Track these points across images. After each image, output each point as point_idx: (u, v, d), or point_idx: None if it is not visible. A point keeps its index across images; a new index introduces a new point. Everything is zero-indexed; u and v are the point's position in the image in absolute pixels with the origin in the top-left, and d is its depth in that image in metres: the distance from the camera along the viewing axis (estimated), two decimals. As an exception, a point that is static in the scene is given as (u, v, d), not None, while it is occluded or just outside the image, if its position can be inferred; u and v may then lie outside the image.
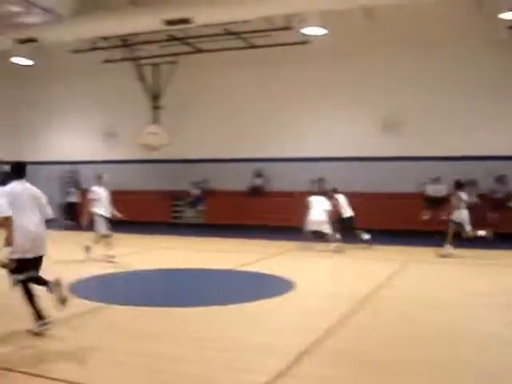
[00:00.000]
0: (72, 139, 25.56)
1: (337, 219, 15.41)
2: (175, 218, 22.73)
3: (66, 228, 22.07)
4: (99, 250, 12.74)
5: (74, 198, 24.14)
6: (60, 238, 16.33)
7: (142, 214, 21.19)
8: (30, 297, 6.56)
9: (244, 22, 18.27)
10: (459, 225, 13.84)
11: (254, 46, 20.35)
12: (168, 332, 6.90)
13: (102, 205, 13.28)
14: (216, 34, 19.86)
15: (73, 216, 23.73)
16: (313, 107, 21.05)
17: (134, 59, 22.66)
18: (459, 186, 14.25)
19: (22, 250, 6.45)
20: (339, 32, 18.14)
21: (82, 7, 19.63)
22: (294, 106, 21.25)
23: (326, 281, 11.53)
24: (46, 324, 6.54)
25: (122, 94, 23.61)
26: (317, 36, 18.12)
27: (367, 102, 20.21)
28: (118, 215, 13.22)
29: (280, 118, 21.45)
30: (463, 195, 14.03)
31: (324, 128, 21.03)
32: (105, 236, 12.98)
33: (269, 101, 21.56)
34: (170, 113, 22.69)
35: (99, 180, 13.71)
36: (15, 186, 6.75)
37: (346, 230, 15.14)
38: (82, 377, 5.24)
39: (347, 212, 15.67)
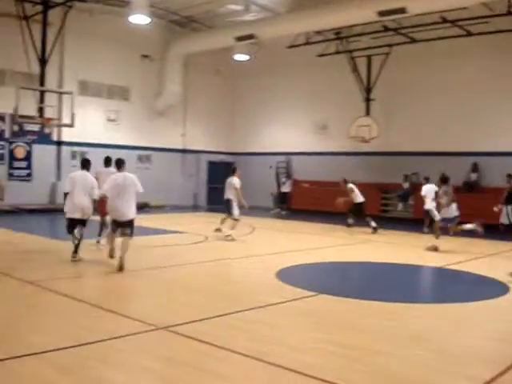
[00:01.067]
0: (286, 131, 26.42)
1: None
2: (384, 211, 22.49)
3: (278, 216, 22.94)
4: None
5: (286, 188, 25.02)
6: (279, 225, 17.02)
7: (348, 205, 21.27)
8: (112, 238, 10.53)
9: (461, 9, 17.47)
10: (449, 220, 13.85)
11: (471, 34, 19.33)
12: (370, 326, 6.86)
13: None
14: (431, 23, 19.22)
15: (285, 205, 24.65)
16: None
17: (347, 52, 22.78)
18: (444, 180, 14.10)
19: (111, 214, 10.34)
20: None
21: (298, 2, 20.18)
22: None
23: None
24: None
25: (335, 87, 23.90)
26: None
27: None
28: None
29: (498, 110, 20.07)
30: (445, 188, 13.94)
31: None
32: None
33: (486, 92, 20.27)
34: (380, 105, 22.51)
35: None
36: (116, 175, 10.24)
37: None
38: (287, 361, 5.40)
39: None
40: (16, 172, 21.25)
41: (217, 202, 27.32)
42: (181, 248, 13.13)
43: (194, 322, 6.58)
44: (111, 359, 5.40)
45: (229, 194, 15.52)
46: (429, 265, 11.73)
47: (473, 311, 7.90)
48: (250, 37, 21.21)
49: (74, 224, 10.55)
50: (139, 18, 19.30)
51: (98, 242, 12.24)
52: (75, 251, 10.41)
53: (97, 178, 11.48)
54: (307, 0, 20.00)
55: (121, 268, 9.50)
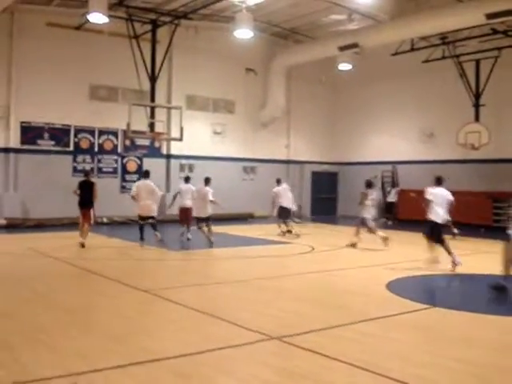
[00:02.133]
0: (391, 140, 25.98)
1: None
2: (496, 221, 21.57)
3: (385, 226, 22.57)
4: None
5: (392, 198, 24.58)
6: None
7: (459, 215, 20.60)
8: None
9: None
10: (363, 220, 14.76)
11: None
12: (489, 340, 6.60)
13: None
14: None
15: (391, 215, 24.21)
16: None
17: (454, 56, 22.15)
18: (368, 185, 15.23)
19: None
20: None
21: (401, 9, 19.85)
22: None
23: None
24: None
25: (441, 93, 23.30)
26: None
27: None
28: None
29: None
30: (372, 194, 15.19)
31: None
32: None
33: None
34: (490, 110, 21.67)
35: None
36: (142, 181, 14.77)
37: None
38: (410, 377, 5.30)
39: None
40: (128, 185, 22.16)
41: (321, 212, 27.40)
42: (288, 258, 13.20)
43: (306, 332, 6.60)
44: (228, 368, 5.49)
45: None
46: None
47: None
48: (354, 46, 21.09)
49: (143, 219, 14.78)
50: (243, 33, 19.66)
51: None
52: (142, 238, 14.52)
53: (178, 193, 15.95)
54: (411, 5, 19.66)
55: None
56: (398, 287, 9.46)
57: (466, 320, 7.62)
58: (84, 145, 21.47)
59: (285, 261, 12.87)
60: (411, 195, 24.05)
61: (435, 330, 7.06)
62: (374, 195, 15.79)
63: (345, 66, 24.09)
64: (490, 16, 17.15)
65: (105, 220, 20.62)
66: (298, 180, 27.25)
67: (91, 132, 21.56)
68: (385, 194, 25.14)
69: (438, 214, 11.53)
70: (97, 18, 17.64)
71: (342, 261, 13.04)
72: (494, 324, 7.40)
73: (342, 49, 21.54)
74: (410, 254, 14.27)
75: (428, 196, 11.79)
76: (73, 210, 20.10)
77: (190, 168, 22.66)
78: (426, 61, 22.40)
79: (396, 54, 22.57)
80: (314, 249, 14.73)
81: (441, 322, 7.45)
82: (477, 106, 22.12)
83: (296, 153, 26.95)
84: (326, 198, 28.13)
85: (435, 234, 11.45)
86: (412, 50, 22.18)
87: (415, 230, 16.53)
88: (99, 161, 21.78)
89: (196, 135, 23.09)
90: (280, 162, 26.41)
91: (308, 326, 6.85)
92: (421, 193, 21.82)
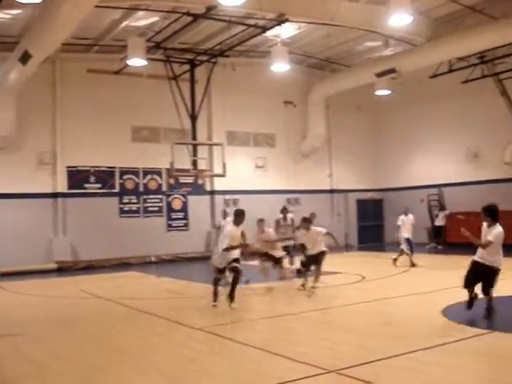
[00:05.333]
0: (435, 162, 25.61)
1: None
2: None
3: (434, 251, 22.17)
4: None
5: (440, 221, 24.16)
6: (436, 260, 16.45)
7: (508, 235, 20.13)
8: None
9: None
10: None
11: None
12: None
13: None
14: None
15: (440, 239, 23.77)
16: None
17: (494, 75, 21.89)
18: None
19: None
20: None
21: (436, 31, 19.77)
22: None
23: None
24: None
25: (483, 112, 22.96)
26: None
27: None
28: None
29: None
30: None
31: None
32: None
33: None
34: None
35: None
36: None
37: None
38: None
39: None
40: (174, 223, 22.38)
41: (368, 240, 27.07)
42: (339, 288, 13.03)
43: (363, 364, 6.45)
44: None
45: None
46: None
47: None
48: (391, 71, 21.04)
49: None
50: (279, 66, 19.82)
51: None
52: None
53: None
54: (446, 27, 19.55)
55: None
56: (453, 313, 9.22)
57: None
58: (129, 186, 21.82)
59: (336, 291, 12.70)
60: (460, 218, 23.69)
61: (497, 355, 6.83)
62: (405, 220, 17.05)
63: (383, 92, 24.00)
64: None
65: (153, 259, 20.82)
66: (344, 209, 27.05)
67: (135, 173, 21.92)
68: (432, 217, 24.74)
69: None
70: (136, 62, 18.09)
71: (394, 288, 12.81)
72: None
73: (379, 75, 21.52)
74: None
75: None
76: (121, 251, 20.42)
77: (235, 203, 22.72)
78: (466, 81, 22.18)
79: (434, 76, 22.43)
80: (364, 278, 14.51)
81: (502, 347, 7.21)
82: (522, 123, 21.74)
83: (339, 182, 26.82)
84: (372, 226, 27.82)
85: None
86: (450, 71, 22.01)
87: (465, 254, 16.19)
88: (145, 201, 22.07)
89: (238, 170, 23.21)
90: (324, 192, 26.31)
91: (365, 357, 6.69)
92: (469, 215, 21.48)
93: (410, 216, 17.19)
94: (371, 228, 27.82)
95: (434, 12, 19.23)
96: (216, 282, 10.86)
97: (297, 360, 6.73)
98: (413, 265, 16.34)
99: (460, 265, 16.66)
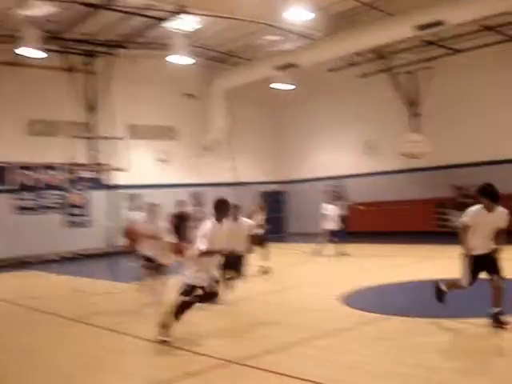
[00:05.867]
0: (335, 154, 26.33)
1: None
2: (440, 226, 22.01)
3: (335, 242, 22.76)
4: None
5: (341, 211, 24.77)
6: (336, 249, 16.90)
7: (405, 223, 21.10)
8: None
9: (501, 14, 17.20)
10: None
11: (514, 39, 19.03)
12: (444, 344, 6.71)
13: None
14: (471, 32, 19.01)
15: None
16: None
17: (388, 70, 22.70)
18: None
19: None
20: None
21: (335, 27, 20.24)
22: None
23: None
24: None
25: (380, 106, 23.77)
26: None
27: None
28: None
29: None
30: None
31: None
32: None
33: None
34: (428, 119, 22.25)
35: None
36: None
37: None
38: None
39: None
40: (75, 219, 21.77)
41: (271, 231, 27.37)
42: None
43: (266, 353, 6.55)
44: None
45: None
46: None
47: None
48: (290, 65, 21.33)
49: None
50: (181, 59, 19.67)
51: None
52: None
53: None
54: (343, 22, 20.04)
55: None
56: (352, 300, 9.51)
57: (420, 327, 7.69)
58: (26, 181, 20.95)
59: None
60: (359, 208, 24.48)
61: (395, 338, 7.11)
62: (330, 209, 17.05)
63: (283, 86, 24.31)
64: (420, 27, 17.60)
65: (53, 257, 20.20)
66: (247, 201, 27.22)
67: (32, 168, 21.07)
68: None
69: None
70: (31, 52, 17.40)
71: (295, 278, 13.05)
72: (446, 329, 7.51)
73: (278, 69, 21.76)
74: (360, 265, 14.43)
75: None
76: (18, 250, 19.58)
77: (138, 197, 22.36)
78: (363, 75, 22.86)
79: (333, 70, 22.95)
80: (266, 269, 14.67)
81: (399, 331, 7.50)
82: (415, 115, 22.68)
83: (242, 175, 26.98)
84: (275, 217, 28.18)
85: None
86: (348, 65, 22.61)
87: (365, 242, 16.83)
88: (43, 197, 21.28)
89: (140, 164, 22.87)
90: (227, 185, 26.36)
91: (267, 347, 6.80)
92: (369, 204, 22.15)
93: (336, 205, 17.34)
94: (275, 220, 28.18)
95: (332, 8, 19.65)
96: (184, 307, 7.30)
97: (199, 352, 6.74)
98: (342, 254, 16.53)
99: (363, 252, 17.34)
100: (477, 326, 7.36)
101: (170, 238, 10.34)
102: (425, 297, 10.34)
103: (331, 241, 16.73)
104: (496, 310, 7.12)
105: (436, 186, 22.20)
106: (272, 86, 24.20)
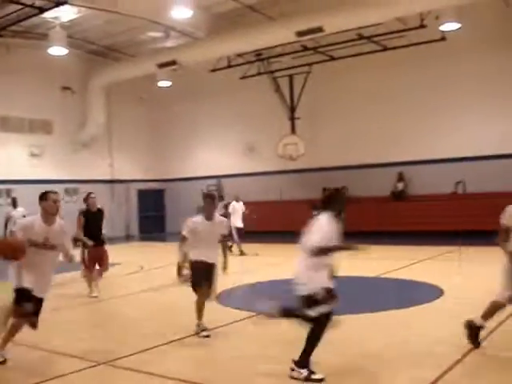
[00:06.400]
0: (215, 154, 26.47)
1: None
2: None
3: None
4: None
5: (219, 211, 24.89)
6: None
7: (281, 223, 21.61)
8: None
9: (376, 25, 18.06)
10: None
11: (387, 49, 20.02)
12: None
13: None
14: (348, 40, 19.80)
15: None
16: (452, 105, 20.15)
17: (269, 73, 23.12)
18: None
19: None
20: (476, 25, 17.50)
21: (217, 27, 20.36)
22: (432, 105, 20.45)
23: (477, 288, 10.77)
24: None
25: (260, 108, 24.14)
26: (453, 31, 17.57)
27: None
28: None
29: (418, 119, 20.77)
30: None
31: (465, 126, 20.02)
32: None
33: (404, 103, 21.00)
34: (305, 122, 22.93)
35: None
36: None
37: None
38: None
39: None
40: None
41: (150, 230, 27.15)
42: (116, 279, 12.87)
43: (137, 353, 6.47)
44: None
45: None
46: (365, 275, 11.92)
47: (409, 316, 8.09)
48: (172, 63, 21.21)
49: None
50: (58, 50, 19.03)
51: None
52: None
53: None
54: (226, 23, 20.20)
55: None
56: (225, 298, 9.59)
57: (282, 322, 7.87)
58: None
59: (113, 281, 12.51)
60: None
61: (266, 335, 7.24)
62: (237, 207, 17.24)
63: (164, 84, 24.10)
64: (300, 34, 18.11)
65: None
66: (125, 199, 26.79)
67: None
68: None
69: None
70: None
71: (171, 277, 12.96)
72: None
73: (160, 66, 21.57)
74: (235, 264, 14.59)
75: None
76: None
77: (8, 193, 21.31)
78: (244, 77, 23.13)
79: (214, 70, 23.04)
80: (142, 267, 14.52)
81: (271, 327, 7.62)
82: (292, 119, 23.27)
83: (120, 172, 26.47)
84: (153, 216, 27.94)
85: None
86: (229, 66, 22.79)
87: (245, 241, 17.04)
88: None
89: (12, 158, 21.90)
90: (104, 182, 25.77)
91: (139, 346, 6.73)
92: (247, 205, 22.47)
93: (241, 203, 17.31)
94: (153, 218, 27.94)
95: (214, 8, 19.80)
96: None
97: (68, 354, 6.55)
98: (242, 253, 16.57)
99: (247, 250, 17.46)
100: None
101: None
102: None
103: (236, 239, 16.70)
104: None
105: (311, 188, 22.86)
106: (154, 83, 23.94)
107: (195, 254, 7.32)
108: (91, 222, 10.47)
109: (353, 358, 6.15)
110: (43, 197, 6.16)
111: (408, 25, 18.26)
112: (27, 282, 5.95)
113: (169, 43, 22.24)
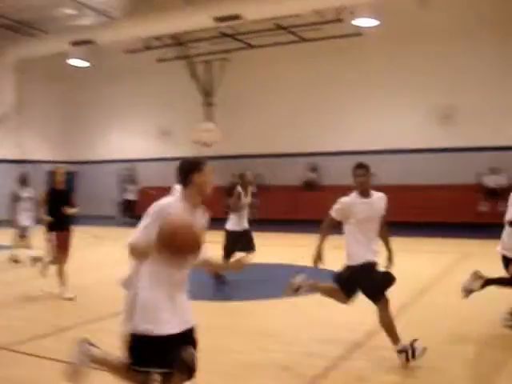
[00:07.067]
0: (128, 138, 26.07)
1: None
2: (226, 213, 22.76)
3: (125, 225, 22.57)
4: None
5: (131, 196, 24.67)
6: (119, 234, 16.73)
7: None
8: None
9: (294, 16, 18.29)
10: None
11: (304, 40, 20.32)
12: (223, 325, 6.99)
13: None
14: (266, 29, 19.94)
15: (131, 213, 24.27)
16: (365, 98, 20.72)
17: (186, 57, 22.94)
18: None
19: None
20: (391, 22, 17.98)
21: (135, 8, 20.02)
22: (346, 98, 21.00)
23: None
24: None
25: (176, 93, 23.94)
26: (368, 27, 18.00)
27: (420, 92, 19.82)
28: None
29: (332, 111, 21.25)
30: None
31: (376, 120, 20.68)
32: None
33: (319, 94, 21.41)
34: (221, 109, 22.95)
35: None
36: None
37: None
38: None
39: None
40: None
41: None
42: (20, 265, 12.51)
43: (35, 339, 6.34)
44: None
45: None
46: (274, 262, 12.09)
47: (314, 303, 8.28)
48: (87, 42, 20.67)
49: None
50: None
51: None
52: None
53: None
54: (143, 5, 19.88)
55: None
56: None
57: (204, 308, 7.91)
58: None
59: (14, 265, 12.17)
60: (150, 192, 24.40)
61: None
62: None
63: (78, 63, 23.38)
64: (218, 19, 18.09)
65: None
66: (32, 180, 25.88)
67: None
68: (123, 191, 25.14)
69: None
70: None
71: (75, 261, 12.72)
72: (216, 310, 7.85)
73: (74, 44, 20.96)
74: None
75: None
76: None
77: None
78: (160, 60, 22.83)
79: (130, 52, 22.59)
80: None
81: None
82: (208, 105, 23.22)
83: (30, 152, 25.57)
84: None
85: None
86: (146, 48, 22.43)
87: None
88: None
89: None
90: (12, 162, 24.82)
91: (39, 332, 6.59)
92: (161, 190, 22.24)
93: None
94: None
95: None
96: None
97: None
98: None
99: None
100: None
101: None
102: (207, 280, 10.72)
103: None
104: None
105: (225, 175, 22.92)
106: (67, 61, 23.20)
107: None
108: None
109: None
110: None
111: (325, 18, 18.58)
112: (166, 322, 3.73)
113: (85, 21, 21.64)
